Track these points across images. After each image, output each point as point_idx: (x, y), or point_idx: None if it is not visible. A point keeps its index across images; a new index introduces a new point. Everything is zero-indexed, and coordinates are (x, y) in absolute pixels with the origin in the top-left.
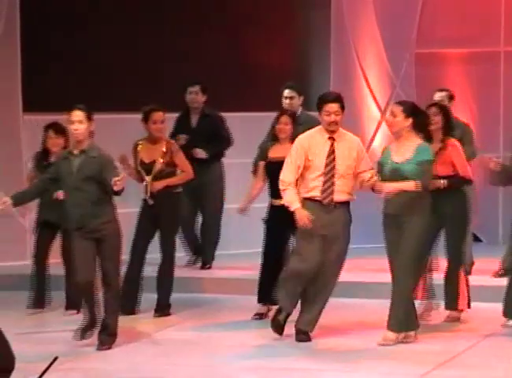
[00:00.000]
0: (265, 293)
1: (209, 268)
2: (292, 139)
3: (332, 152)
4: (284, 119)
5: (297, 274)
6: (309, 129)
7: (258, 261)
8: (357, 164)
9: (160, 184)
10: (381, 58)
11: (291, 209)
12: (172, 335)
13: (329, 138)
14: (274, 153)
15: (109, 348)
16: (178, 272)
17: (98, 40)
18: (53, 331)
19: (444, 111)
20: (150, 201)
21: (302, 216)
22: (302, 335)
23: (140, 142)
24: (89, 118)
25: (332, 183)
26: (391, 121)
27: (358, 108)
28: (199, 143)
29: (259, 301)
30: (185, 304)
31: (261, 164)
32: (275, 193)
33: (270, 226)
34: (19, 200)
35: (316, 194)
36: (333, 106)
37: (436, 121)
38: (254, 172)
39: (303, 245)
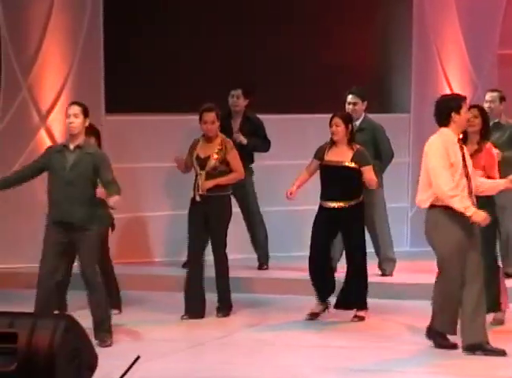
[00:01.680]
0: (319, 292)
1: (267, 268)
2: (350, 143)
3: (463, 155)
4: (335, 120)
5: (451, 296)
6: (372, 135)
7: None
8: None
9: (210, 183)
10: (463, 59)
11: (469, 213)
12: (248, 335)
13: (458, 140)
14: (330, 156)
15: (111, 345)
16: (234, 273)
17: (179, 42)
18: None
19: (484, 114)
20: (198, 198)
21: (484, 217)
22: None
23: (200, 139)
24: (85, 113)
25: (470, 187)
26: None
27: None
28: (240, 146)
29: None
30: (244, 304)
31: (315, 161)
32: (325, 196)
33: (317, 226)
34: (3, 185)
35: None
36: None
37: (475, 124)
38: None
39: (452, 265)
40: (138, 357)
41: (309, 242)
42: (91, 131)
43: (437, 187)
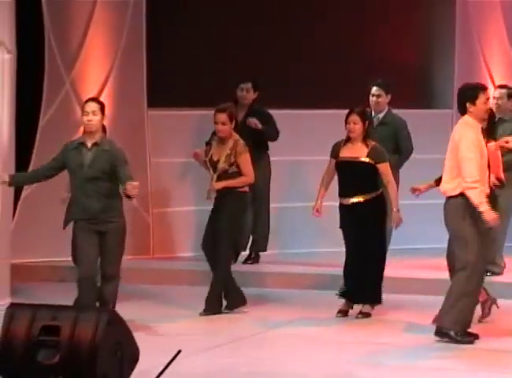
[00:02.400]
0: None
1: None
2: (365, 140)
3: (486, 144)
4: (353, 117)
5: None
6: (394, 129)
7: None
8: None
9: (219, 185)
10: (506, 53)
11: (482, 209)
12: (286, 330)
13: (482, 130)
14: (344, 152)
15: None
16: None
17: (222, 36)
18: None
19: (490, 113)
20: (209, 197)
21: (494, 218)
22: None
23: (215, 139)
24: (102, 110)
25: (488, 179)
26: None
27: None
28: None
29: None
30: (271, 299)
31: (332, 161)
32: (344, 193)
33: (341, 226)
34: (16, 181)
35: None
36: (488, 94)
37: None
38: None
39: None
40: (179, 352)
41: (327, 239)
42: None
43: (462, 176)
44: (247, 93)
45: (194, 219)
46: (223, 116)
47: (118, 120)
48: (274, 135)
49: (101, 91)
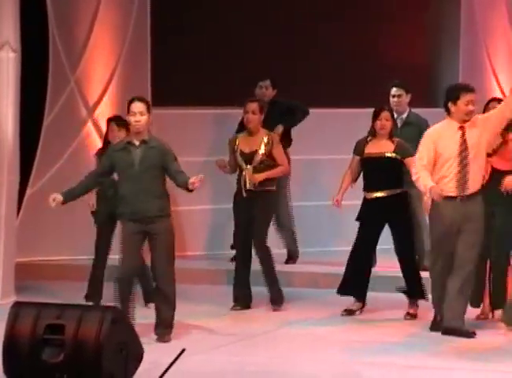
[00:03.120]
0: (354, 289)
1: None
2: (391, 136)
3: (464, 141)
4: (385, 114)
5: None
6: (418, 129)
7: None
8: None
9: (260, 177)
10: (511, 52)
11: (427, 188)
12: (298, 329)
13: (460, 127)
14: (370, 149)
15: (169, 340)
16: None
17: (227, 37)
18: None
19: None
20: (244, 194)
21: (436, 191)
22: None
23: (239, 136)
24: (149, 110)
25: (466, 173)
26: None
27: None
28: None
29: (342, 294)
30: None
31: (355, 158)
32: (369, 187)
33: (362, 219)
34: (69, 197)
35: (450, 189)
36: (472, 96)
37: None
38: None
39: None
40: (183, 351)
41: (346, 237)
42: (123, 123)
43: (413, 175)
44: (266, 90)
45: (200, 218)
46: (253, 105)
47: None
48: (296, 119)
49: (105, 90)
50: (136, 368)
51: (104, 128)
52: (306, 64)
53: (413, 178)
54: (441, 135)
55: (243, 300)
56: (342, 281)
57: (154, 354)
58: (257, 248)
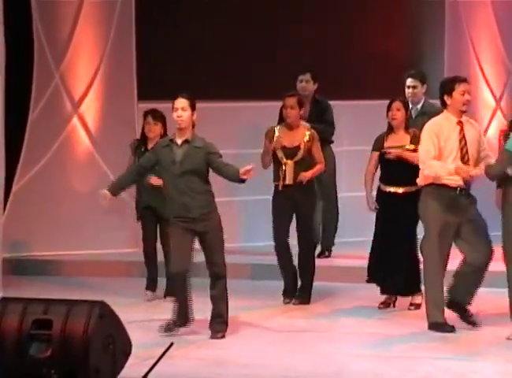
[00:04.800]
0: (374, 278)
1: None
2: (407, 128)
3: (463, 137)
4: (396, 104)
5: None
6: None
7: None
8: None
9: (308, 174)
10: (496, 45)
11: (449, 171)
12: (277, 322)
13: (458, 122)
14: (389, 143)
15: (224, 336)
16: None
17: (211, 28)
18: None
19: None
20: (281, 187)
21: (464, 170)
22: None
23: (277, 128)
24: (192, 106)
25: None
26: None
27: (473, 96)
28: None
29: (381, 292)
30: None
31: (374, 154)
32: (386, 180)
33: (378, 212)
34: (116, 190)
35: (453, 180)
36: (467, 85)
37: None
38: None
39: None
40: (171, 344)
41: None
42: (159, 116)
43: (423, 168)
44: (307, 84)
45: (235, 209)
46: (292, 100)
47: (108, 113)
48: (330, 130)
49: (90, 85)
50: (124, 363)
51: (89, 123)
52: (323, 55)
53: (425, 172)
54: (441, 128)
55: (292, 292)
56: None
57: (141, 349)
58: (303, 241)
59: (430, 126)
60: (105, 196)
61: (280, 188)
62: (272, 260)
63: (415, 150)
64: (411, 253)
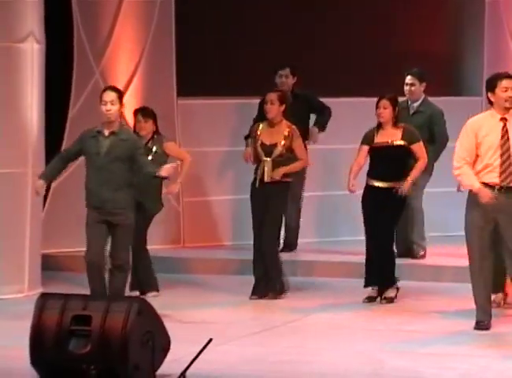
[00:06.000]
0: (370, 275)
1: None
2: (396, 124)
3: (505, 132)
4: (382, 102)
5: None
6: (429, 118)
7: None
8: None
9: (281, 172)
10: None
11: (474, 190)
12: (320, 318)
13: (501, 119)
14: (379, 138)
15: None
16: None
17: (252, 27)
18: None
19: None
20: (258, 184)
21: (486, 193)
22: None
23: (261, 124)
24: (121, 99)
25: (510, 165)
26: None
27: None
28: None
29: (365, 285)
30: (304, 287)
31: (363, 148)
32: (373, 174)
33: (364, 205)
34: (49, 176)
35: (492, 177)
36: (510, 82)
37: None
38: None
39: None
40: (210, 340)
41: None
42: (149, 114)
43: (455, 167)
44: (286, 79)
45: (225, 208)
46: (272, 96)
47: None
48: (327, 120)
49: (130, 81)
50: (163, 359)
51: (128, 118)
52: (323, 53)
53: (455, 172)
54: (482, 126)
55: (260, 290)
56: (365, 272)
57: (181, 344)
58: (265, 242)
59: (470, 123)
60: (41, 186)
61: (257, 185)
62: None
63: (404, 146)
64: (386, 248)
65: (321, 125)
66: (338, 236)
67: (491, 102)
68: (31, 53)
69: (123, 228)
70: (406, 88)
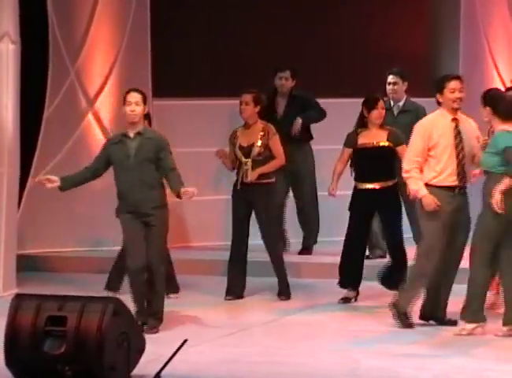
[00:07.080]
0: (348, 278)
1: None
2: (382, 126)
3: (458, 133)
4: (382, 103)
5: (423, 275)
6: (416, 117)
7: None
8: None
9: (254, 175)
10: (511, 41)
11: (419, 196)
12: (296, 319)
13: (453, 119)
14: (363, 139)
15: (158, 331)
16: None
17: (226, 26)
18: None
19: None
20: (239, 186)
21: (430, 202)
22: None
23: (238, 129)
24: (145, 100)
25: (464, 165)
26: None
27: None
28: (287, 129)
29: (342, 286)
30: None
31: (346, 150)
32: (362, 178)
33: (353, 209)
34: (67, 185)
35: (452, 181)
36: (457, 83)
37: None
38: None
39: (430, 241)
40: (185, 341)
41: (342, 227)
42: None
43: (404, 171)
44: (286, 81)
45: (202, 209)
46: (247, 97)
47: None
48: (316, 118)
49: (105, 82)
50: (138, 360)
51: (104, 120)
52: (307, 53)
53: (404, 175)
54: (435, 125)
55: (235, 290)
56: (339, 272)
57: (155, 346)
58: (269, 247)
59: (423, 123)
60: (53, 181)
61: (238, 187)
62: (264, 257)
63: (390, 147)
64: (402, 247)
65: (307, 118)
66: (330, 237)
67: (439, 103)
68: (7, 54)
69: (157, 228)
70: (389, 87)
